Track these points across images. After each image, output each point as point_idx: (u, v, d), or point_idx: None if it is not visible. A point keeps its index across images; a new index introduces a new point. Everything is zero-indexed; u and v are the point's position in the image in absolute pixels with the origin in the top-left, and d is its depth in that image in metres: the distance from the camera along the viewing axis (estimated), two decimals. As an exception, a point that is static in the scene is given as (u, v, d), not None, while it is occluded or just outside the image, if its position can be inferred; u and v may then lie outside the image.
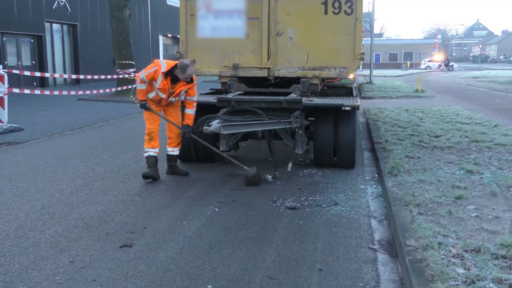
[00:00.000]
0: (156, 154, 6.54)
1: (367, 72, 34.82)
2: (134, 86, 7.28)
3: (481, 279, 3.24)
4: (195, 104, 6.69)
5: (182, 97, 6.64)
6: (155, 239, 4.43)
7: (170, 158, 6.82)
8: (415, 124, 10.91)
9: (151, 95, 6.48)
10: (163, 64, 6.33)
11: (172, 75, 6.30)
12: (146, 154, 6.55)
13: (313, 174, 6.92)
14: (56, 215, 5.08)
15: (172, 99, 6.53)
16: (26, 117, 12.59)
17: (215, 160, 7.56)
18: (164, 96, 6.45)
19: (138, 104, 6.65)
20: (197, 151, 7.44)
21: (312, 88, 7.64)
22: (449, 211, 4.70)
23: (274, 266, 3.87)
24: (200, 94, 8.52)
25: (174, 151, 6.78)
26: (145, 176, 6.42)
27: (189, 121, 6.59)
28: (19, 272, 3.74)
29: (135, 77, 6.71)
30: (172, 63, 6.37)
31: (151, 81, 6.35)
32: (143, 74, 6.36)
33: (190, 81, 6.49)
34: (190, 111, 6.63)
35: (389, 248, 4.30)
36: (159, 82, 6.31)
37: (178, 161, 7.07)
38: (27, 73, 15.08)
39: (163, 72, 6.26)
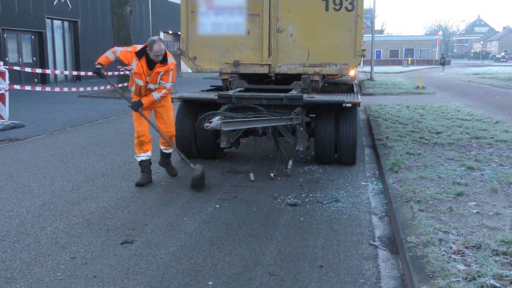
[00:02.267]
0: (149, 158, 6.18)
1: (368, 68, 34.77)
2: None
3: (481, 276, 3.24)
4: (164, 91, 6.02)
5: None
6: (156, 236, 4.44)
7: (164, 155, 6.53)
8: (416, 121, 10.90)
9: (133, 88, 6.07)
10: (139, 46, 5.91)
11: (147, 58, 5.79)
12: (138, 159, 6.18)
13: (314, 171, 6.93)
14: (57, 211, 5.09)
15: (151, 85, 5.96)
16: (27, 114, 12.60)
17: (216, 157, 7.56)
18: (141, 82, 5.91)
19: (93, 68, 5.92)
20: (198, 147, 7.45)
21: (313, 85, 7.64)
22: (450, 208, 4.70)
23: (275, 263, 3.88)
24: (201, 91, 8.53)
25: (168, 149, 6.43)
26: (138, 184, 6.01)
27: (145, 101, 5.95)
28: (21, 268, 3.75)
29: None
30: (143, 45, 5.90)
31: (132, 72, 5.90)
32: (119, 48, 6.00)
33: (164, 61, 5.87)
34: (155, 94, 5.99)
35: (390, 245, 4.30)
36: (134, 65, 5.82)
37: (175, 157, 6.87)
38: (28, 69, 15.06)
39: (135, 52, 5.79)
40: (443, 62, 43.92)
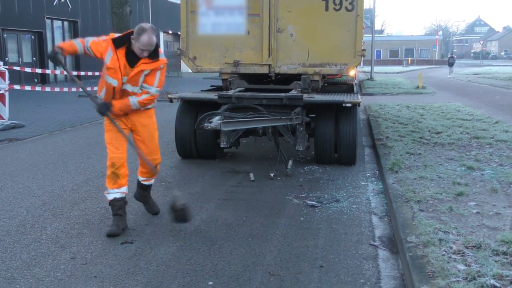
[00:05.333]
0: (124, 195, 4.55)
1: (368, 68, 34.77)
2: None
3: (482, 276, 3.24)
4: (145, 97, 4.41)
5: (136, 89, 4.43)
6: (156, 236, 4.44)
7: (143, 188, 4.96)
8: (416, 121, 10.90)
9: (102, 92, 4.47)
10: (119, 34, 4.46)
11: (128, 50, 4.29)
12: (109, 197, 4.50)
13: (314, 171, 6.92)
14: (57, 211, 5.09)
15: (128, 86, 4.37)
16: (27, 114, 12.60)
17: (216, 157, 7.56)
18: (115, 82, 4.32)
19: (49, 52, 4.49)
20: (198, 147, 7.45)
21: (313, 85, 7.64)
22: (450, 208, 4.70)
23: (275, 263, 3.88)
24: (201, 90, 8.53)
25: (149, 181, 4.93)
26: (111, 235, 4.37)
27: (117, 105, 4.37)
28: (21, 268, 3.74)
29: None
30: (126, 32, 4.43)
31: (103, 68, 4.36)
32: (90, 38, 4.46)
33: (154, 56, 4.35)
34: (131, 98, 4.38)
35: (390, 245, 4.30)
36: (108, 58, 4.28)
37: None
38: (28, 69, 15.07)
39: (112, 40, 4.32)
40: (451, 63, 37.74)
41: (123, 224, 4.50)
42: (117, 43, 4.29)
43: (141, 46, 4.19)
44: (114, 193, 4.48)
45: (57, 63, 4.35)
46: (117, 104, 4.36)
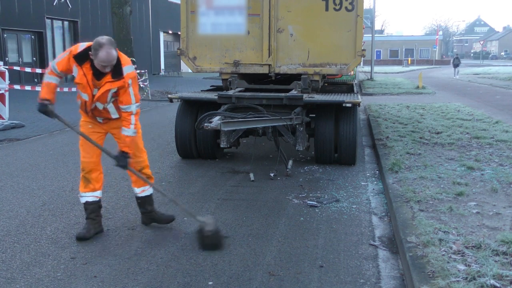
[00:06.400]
0: (97, 199, 4.43)
1: (368, 68, 34.77)
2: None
3: (482, 276, 3.24)
4: (132, 119, 4.20)
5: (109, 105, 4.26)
6: (156, 236, 4.43)
7: (143, 201, 4.62)
8: (416, 121, 10.90)
9: (78, 103, 4.38)
10: (81, 45, 4.12)
11: (92, 64, 4.05)
12: (82, 200, 4.44)
13: (314, 171, 6.92)
14: (57, 211, 5.09)
15: (98, 104, 4.20)
16: (27, 114, 12.59)
17: (216, 157, 7.56)
18: (85, 97, 4.18)
19: (37, 106, 4.13)
20: (198, 147, 7.45)
21: (313, 85, 7.64)
22: (450, 208, 4.70)
23: (275, 263, 3.88)
24: (201, 90, 8.53)
25: (146, 190, 4.60)
26: (80, 238, 4.29)
27: (126, 148, 4.23)
28: (21, 268, 3.74)
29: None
30: (85, 45, 4.11)
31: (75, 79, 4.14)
32: (53, 62, 4.15)
33: (117, 75, 4.08)
34: (126, 132, 4.19)
35: (390, 245, 4.30)
36: (76, 72, 4.09)
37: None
38: (28, 69, 15.08)
39: (73, 56, 4.05)
40: (456, 64, 36.48)
41: (95, 228, 4.39)
42: (79, 59, 4.05)
43: (101, 62, 3.96)
44: (86, 197, 4.40)
45: (51, 116, 4.16)
46: (127, 148, 4.22)
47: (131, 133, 4.21)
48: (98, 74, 4.06)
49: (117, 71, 4.07)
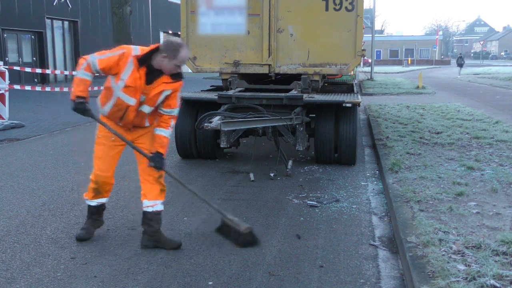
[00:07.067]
0: (103, 203, 4.44)
1: (368, 68, 34.76)
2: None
3: (481, 276, 3.24)
4: (172, 123, 4.12)
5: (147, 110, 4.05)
6: (156, 236, 4.43)
7: (150, 218, 4.19)
8: (416, 121, 10.91)
9: (107, 106, 4.06)
10: (135, 47, 3.94)
11: (149, 67, 3.89)
12: (87, 203, 4.40)
13: (314, 171, 6.92)
14: (57, 211, 5.09)
15: (145, 107, 4.01)
16: (27, 114, 12.59)
17: (216, 157, 7.56)
18: (132, 101, 3.93)
19: (72, 105, 3.92)
20: (198, 147, 7.44)
21: (313, 85, 7.64)
22: (450, 208, 4.70)
23: (275, 263, 3.88)
24: (201, 90, 8.53)
25: (157, 205, 4.22)
26: (80, 238, 4.26)
27: (162, 149, 4.09)
28: (21, 268, 3.74)
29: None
30: (149, 48, 3.94)
31: (109, 77, 3.97)
32: (94, 57, 3.87)
33: (178, 76, 4.02)
34: (164, 132, 4.08)
35: (390, 245, 4.30)
36: (127, 74, 3.84)
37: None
38: (28, 69, 15.07)
39: (136, 56, 3.86)
40: (461, 63, 36.49)
41: (97, 225, 4.39)
42: (142, 61, 3.86)
43: (181, 62, 3.88)
44: (92, 202, 4.37)
45: (87, 115, 3.98)
46: (163, 149, 4.11)
47: (168, 135, 4.11)
48: (149, 78, 3.90)
49: (178, 73, 4.00)
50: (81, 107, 3.89)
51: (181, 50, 3.82)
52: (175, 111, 4.13)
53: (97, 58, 3.87)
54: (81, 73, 3.89)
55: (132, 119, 4.04)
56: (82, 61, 3.89)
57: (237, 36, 7.55)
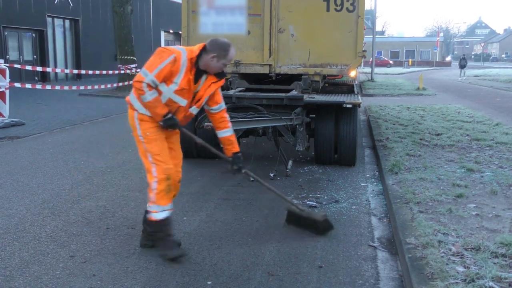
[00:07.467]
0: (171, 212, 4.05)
1: (368, 69, 34.75)
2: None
3: (480, 278, 3.24)
4: (227, 116, 4.23)
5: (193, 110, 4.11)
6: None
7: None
8: (416, 122, 10.90)
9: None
10: (182, 49, 3.90)
11: (197, 68, 3.92)
12: (159, 216, 3.93)
13: (313, 171, 6.92)
14: (56, 210, 5.09)
15: (193, 109, 4.08)
16: (27, 112, 12.60)
17: (216, 157, 7.54)
18: (184, 103, 3.95)
19: (161, 123, 3.87)
20: (198, 147, 7.43)
21: (313, 85, 7.64)
22: (450, 209, 4.70)
23: (274, 263, 3.88)
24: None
25: (169, 209, 4.03)
26: (175, 258, 3.87)
27: (235, 147, 4.28)
28: (20, 266, 3.74)
29: (133, 82, 3.84)
30: (194, 47, 3.99)
31: (166, 85, 3.84)
32: (150, 75, 3.74)
33: (221, 75, 4.10)
34: (229, 132, 4.22)
35: (389, 246, 4.30)
36: (180, 77, 3.83)
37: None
38: (28, 67, 15.07)
39: (191, 59, 3.86)
40: (463, 65, 35.72)
41: (179, 246, 4.04)
42: (195, 63, 3.87)
43: (228, 62, 3.98)
44: (166, 210, 3.94)
45: (178, 128, 4.00)
46: (236, 148, 4.29)
47: (232, 131, 4.25)
48: (196, 78, 3.93)
49: (221, 73, 4.09)
50: (172, 122, 3.88)
51: (230, 50, 3.95)
52: (223, 105, 4.19)
53: (153, 75, 3.75)
54: (150, 95, 3.78)
55: (181, 120, 4.03)
56: (140, 85, 3.75)
57: (238, 36, 7.54)
